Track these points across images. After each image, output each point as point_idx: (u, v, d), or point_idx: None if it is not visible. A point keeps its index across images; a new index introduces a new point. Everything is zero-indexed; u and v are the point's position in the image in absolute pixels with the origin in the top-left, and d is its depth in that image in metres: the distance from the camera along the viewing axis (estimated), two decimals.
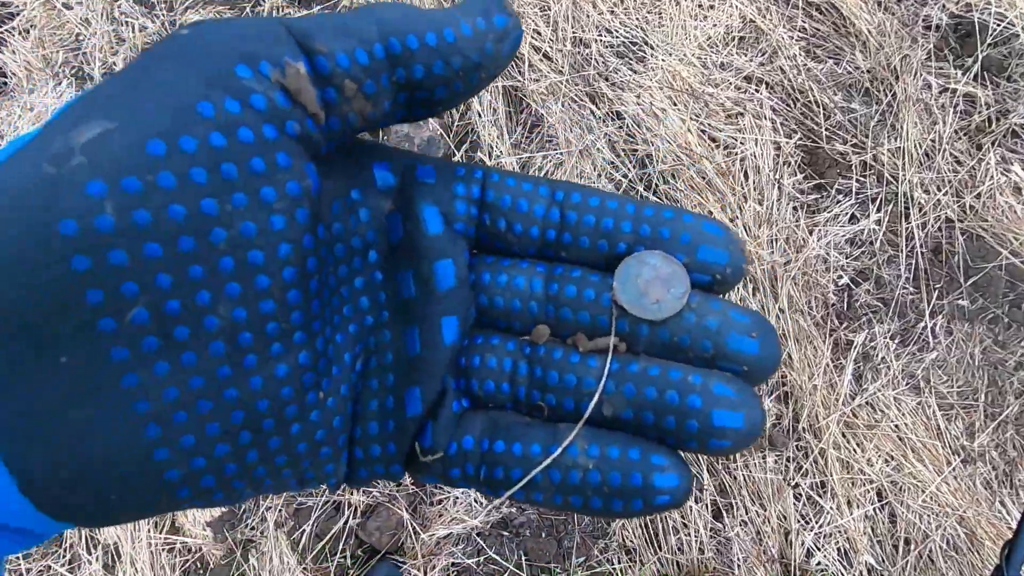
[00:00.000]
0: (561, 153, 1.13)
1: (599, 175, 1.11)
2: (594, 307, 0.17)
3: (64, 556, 1.00)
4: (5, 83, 1.28)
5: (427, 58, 0.15)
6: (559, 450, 0.16)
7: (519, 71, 1.20)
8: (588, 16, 1.21)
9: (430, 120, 1.20)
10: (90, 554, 1.00)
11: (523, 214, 0.18)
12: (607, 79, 1.17)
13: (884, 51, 1.09)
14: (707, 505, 0.92)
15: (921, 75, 1.07)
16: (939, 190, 1.02)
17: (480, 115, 1.18)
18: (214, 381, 0.13)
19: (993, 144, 1.02)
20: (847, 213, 1.04)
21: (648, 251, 0.17)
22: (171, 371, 0.13)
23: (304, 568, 0.95)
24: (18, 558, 1.01)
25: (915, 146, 1.05)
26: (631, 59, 1.17)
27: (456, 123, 1.20)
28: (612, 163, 1.12)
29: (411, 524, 0.95)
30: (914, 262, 1.01)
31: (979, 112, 1.04)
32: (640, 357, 0.17)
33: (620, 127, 1.14)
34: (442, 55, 0.15)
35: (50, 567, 1.00)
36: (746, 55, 1.15)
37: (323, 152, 0.15)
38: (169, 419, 0.13)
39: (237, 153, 0.13)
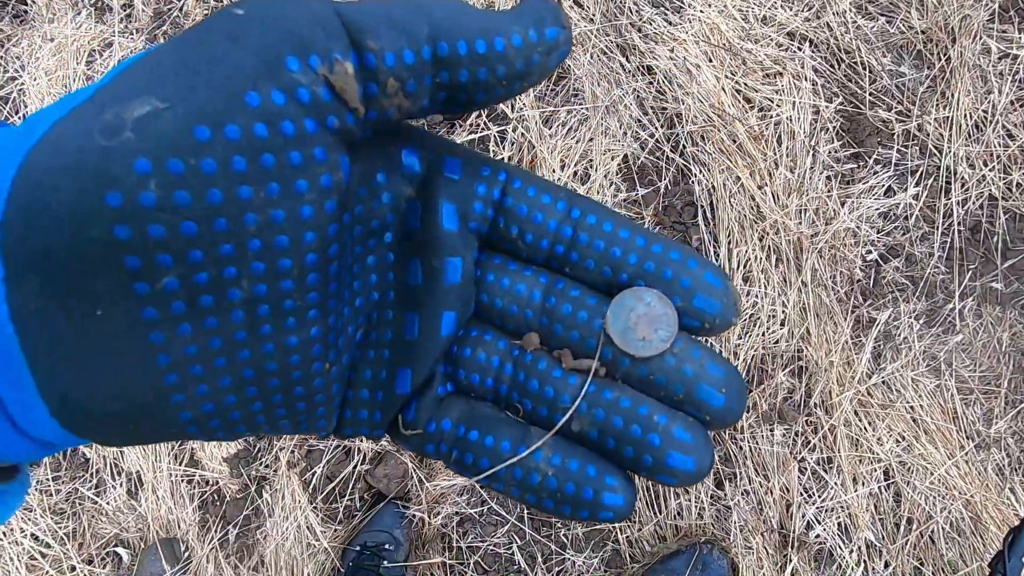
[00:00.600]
0: (587, 108, 1.09)
1: (625, 133, 1.07)
2: (584, 329, 0.18)
3: (91, 480, 1.06)
4: (26, 11, 1.26)
5: (473, 65, 0.15)
6: (526, 453, 0.18)
7: None
8: None
9: None
10: (114, 480, 1.05)
11: (537, 225, 0.18)
12: (640, 30, 1.10)
13: (943, 9, 1.01)
14: (710, 474, 0.92)
15: (981, 38, 0.99)
16: (986, 165, 0.97)
17: None
18: (230, 343, 0.15)
19: None
20: (884, 185, 0.99)
21: (646, 288, 0.18)
22: (193, 332, 0.14)
23: (314, 507, 0.99)
24: (48, 479, 1.07)
25: (965, 116, 0.98)
26: (667, 8, 1.10)
27: None
28: (639, 121, 1.07)
29: (417, 473, 0.98)
30: (949, 240, 0.97)
31: None
32: (616, 385, 0.18)
33: (650, 83, 1.08)
34: (488, 63, 0.15)
35: (77, 490, 1.05)
36: (791, 8, 1.07)
37: (357, 141, 0.16)
38: (186, 371, 0.14)
39: (277, 145, 0.14)
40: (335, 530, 0.98)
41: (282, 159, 0.14)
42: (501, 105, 1.12)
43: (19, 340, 0.13)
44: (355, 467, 1.00)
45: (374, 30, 0.14)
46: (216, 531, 1.01)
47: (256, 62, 0.13)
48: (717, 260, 1.00)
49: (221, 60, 0.13)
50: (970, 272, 0.95)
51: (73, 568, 1.02)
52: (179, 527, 1.04)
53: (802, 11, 1.07)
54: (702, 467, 0.17)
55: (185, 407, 0.15)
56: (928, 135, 0.99)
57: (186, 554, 1.02)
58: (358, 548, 0.92)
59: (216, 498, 1.04)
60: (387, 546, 0.92)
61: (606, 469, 0.17)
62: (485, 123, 1.11)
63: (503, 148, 1.09)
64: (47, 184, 0.12)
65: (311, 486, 1.00)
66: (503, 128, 1.10)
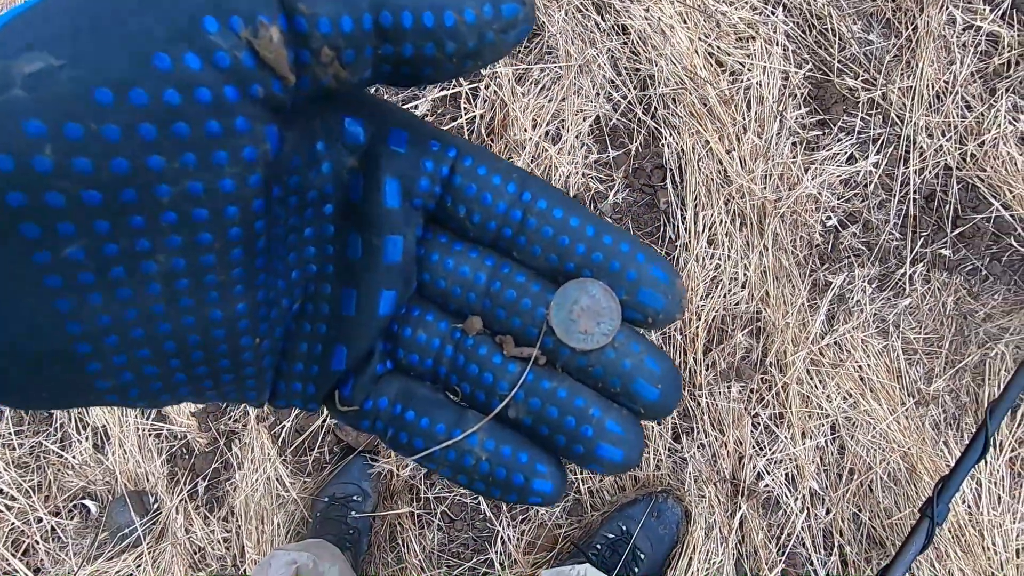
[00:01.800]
0: (560, 67, 1.08)
1: (598, 94, 1.07)
2: (527, 316, 0.18)
3: (55, 435, 1.05)
4: None
5: (420, 39, 0.14)
6: (460, 437, 0.18)
7: None
8: None
9: None
10: (79, 434, 1.05)
11: (485, 207, 0.18)
12: None
13: None
14: (668, 428, 0.96)
15: (947, 8, 1.01)
16: (943, 135, 0.99)
17: None
18: (147, 315, 0.14)
19: (1007, 91, 0.99)
20: (846, 153, 1.01)
21: (592, 280, 0.18)
22: (105, 302, 0.13)
23: (284, 460, 1.00)
24: (11, 433, 1.05)
25: (928, 86, 1.01)
26: None
27: None
28: (612, 82, 1.07)
29: None
30: (905, 208, 1.00)
31: (1000, 54, 0.99)
32: (555, 375, 0.18)
33: (624, 43, 1.08)
34: (436, 38, 0.14)
35: (41, 443, 1.05)
36: None
37: (288, 108, 0.14)
38: (100, 340, 0.14)
39: (192, 113, 0.13)
40: (304, 482, 1.00)
41: (198, 129, 0.13)
42: None
43: None
44: (324, 421, 1.01)
45: None
46: (185, 484, 1.02)
47: (168, 21, 0.12)
48: (683, 223, 1.02)
49: (126, 17, 0.12)
50: (922, 239, 0.99)
51: (40, 520, 1.02)
52: (148, 480, 1.04)
53: None
54: (630, 459, 0.17)
55: (102, 376, 0.14)
56: (891, 104, 1.01)
57: (155, 506, 1.03)
58: (326, 499, 0.95)
59: (185, 452, 1.04)
60: (355, 497, 0.94)
61: (538, 456, 0.18)
62: (456, 79, 1.09)
63: (475, 105, 1.07)
64: None
65: (280, 440, 1.01)
66: (475, 85, 1.08)
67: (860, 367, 0.96)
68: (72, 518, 1.04)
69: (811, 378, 0.96)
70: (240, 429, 1.03)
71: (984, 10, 1.01)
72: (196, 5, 0.12)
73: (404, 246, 0.18)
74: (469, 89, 1.09)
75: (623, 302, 0.18)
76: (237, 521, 0.99)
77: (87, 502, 1.05)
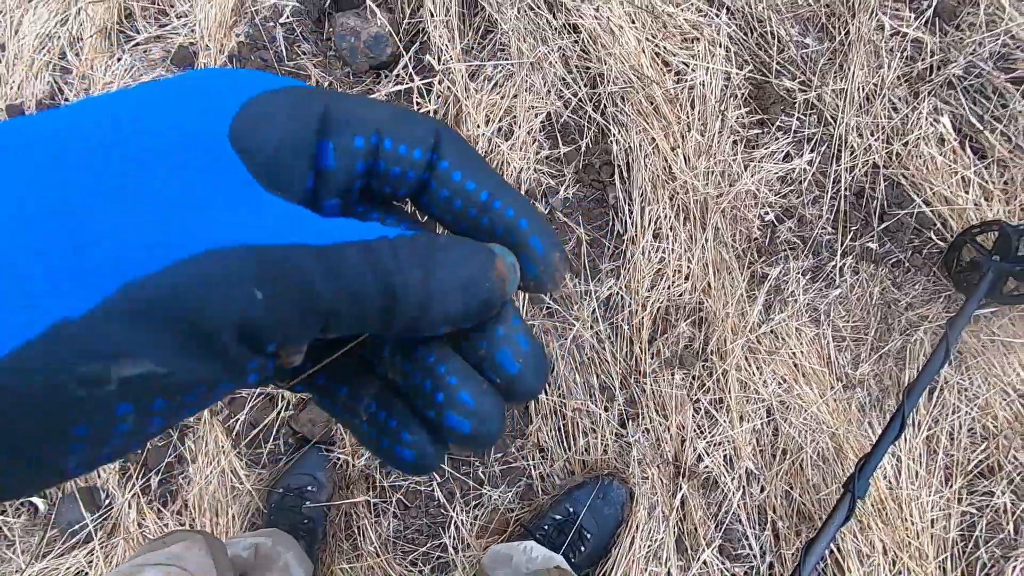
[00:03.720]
0: (513, 64, 1.10)
1: (549, 91, 1.09)
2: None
3: None
4: None
5: None
6: (308, 372, 0.19)
7: None
8: None
9: (378, 15, 1.13)
10: None
11: (395, 179, 0.18)
12: None
13: None
14: (615, 414, 1.01)
15: (877, 15, 1.07)
16: (872, 135, 1.06)
17: (432, 14, 1.12)
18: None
19: (929, 94, 1.05)
20: (783, 151, 1.06)
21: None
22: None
23: (238, 452, 1.01)
24: None
25: (858, 89, 1.06)
26: None
27: (407, 20, 1.14)
28: (563, 79, 1.10)
29: None
30: (837, 204, 1.06)
31: (923, 59, 1.06)
32: (432, 343, 0.18)
33: (575, 41, 1.10)
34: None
35: None
36: None
37: None
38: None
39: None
40: (259, 474, 1.01)
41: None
42: (428, 56, 1.11)
43: None
44: (279, 413, 1.02)
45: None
46: (137, 478, 1.02)
47: (248, 331, 0.14)
48: (630, 217, 1.05)
49: (219, 327, 0.14)
50: (851, 233, 1.05)
51: None
52: (98, 475, 1.03)
53: None
54: (479, 433, 0.17)
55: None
56: (825, 105, 1.07)
57: (106, 501, 1.03)
58: (281, 490, 0.96)
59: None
60: (310, 487, 0.95)
61: (408, 424, 0.18)
62: (411, 74, 1.10)
63: (428, 101, 1.09)
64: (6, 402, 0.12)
65: (234, 432, 1.02)
66: (428, 81, 1.09)
67: (794, 354, 1.02)
68: (19, 516, 1.03)
69: (749, 365, 1.01)
70: (193, 423, 1.03)
71: (910, 17, 1.07)
72: (268, 334, 0.15)
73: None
74: (423, 84, 1.10)
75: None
76: (191, 514, 1.00)
77: (35, 500, 1.03)
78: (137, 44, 1.14)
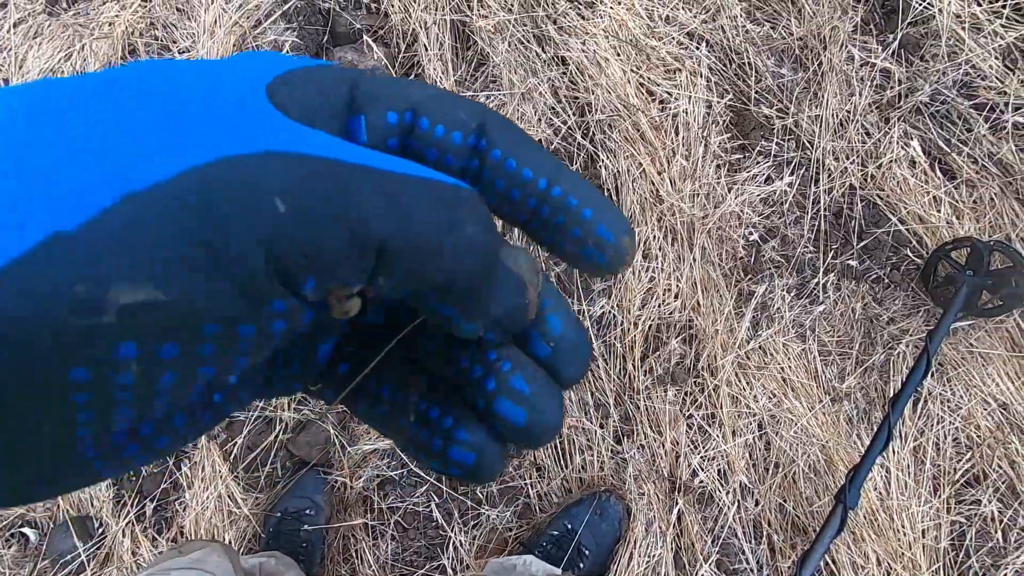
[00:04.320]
0: (504, 95, 1.15)
1: (540, 120, 1.14)
2: None
3: None
4: None
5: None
6: (366, 370, 0.17)
7: (468, 5, 1.18)
8: None
9: (375, 49, 1.18)
10: None
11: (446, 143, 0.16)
12: (555, 22, 1.17)
13: (817, 19, 1.14)
14: (610, 431, 1.02)
15: (846, 47, 1.13)
16: (847, 158, 1.11)
17: (427, 48, 1.17)
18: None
19: (899, 119, 1.11)
20: (764, 174, 1.11)
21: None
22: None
23: (235, 476, 1.01)
24: None
25: (833, 115, 1.12)
26: (580, 3, 1.18)
27: (402, 54, 1.19)
28: (553, 109, 1.14)
29: (339, 439, 1.02)
30: (817, 224, 1.11)
31: (891, 88, 1.12)
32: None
33: (564, 73, 1.16)
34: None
35: None
36: (691, 11, 1.18)
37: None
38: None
39: (279, 332, 0.13)
40: (256, 498, 1.01)
41: (268, 331, 0.13)
42: None
43: None
44: (276, 436, 1.02)
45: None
46: (132, 506, 1.01)
47: (277, 271, 0.12)
48: None
49: (236, 254, 0.12)
50: (832, 251, 1.10)
51: None
52: (92, 505, 1.02)
53: (700, 14, 1.17)
54: (536, 424, 0.15)
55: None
56: (803, 130, 1.12)
57: (100, 530, 1.01)
58: (279, 514, 0.96)
59: (131, 473, 1.03)
60: (307, 511, 0.95)
61: (463, 420, 0.16)
62: None
63: None
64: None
65: (232, 456, 1.02)
66: None
67: (782, 369, 1.05)
68: (10, 547, 1.01)
69: (739, 380, 1.04)
70: (190, 449, 1.03)
71: (877, 49, 1.14)
72: (302, 263, 0.12)
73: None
74: None
75: (568, 254, 0.17)
76: (188, 540, 0.99)
77: (26, 530, 1.02)
78: None
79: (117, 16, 1.19)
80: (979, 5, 1.12)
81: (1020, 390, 1.03)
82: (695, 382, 1.04)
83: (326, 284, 0.13)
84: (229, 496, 0.99)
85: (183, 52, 1.18)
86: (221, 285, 0.12)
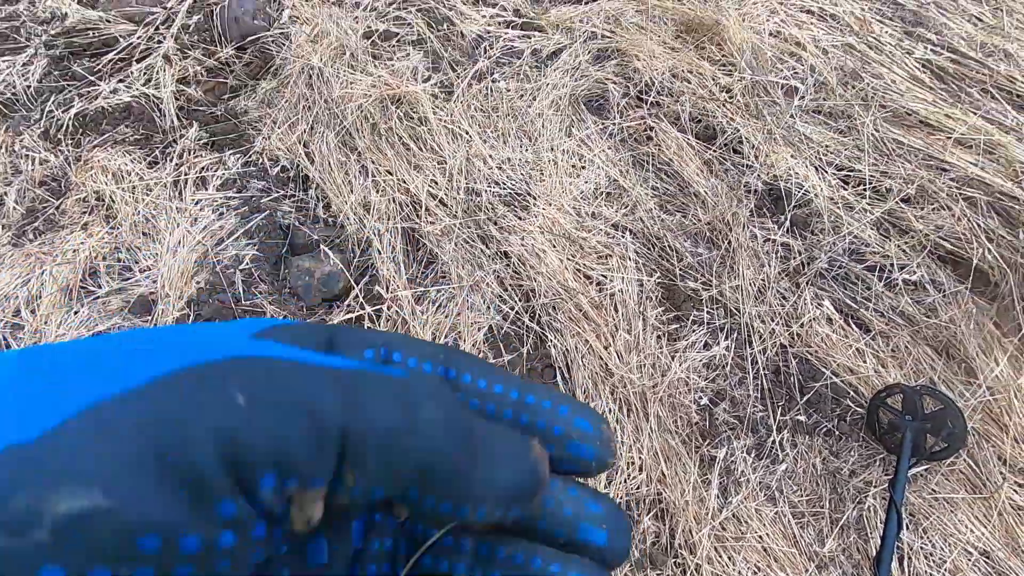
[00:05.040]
0: (454, 288, 1.23)
1: (488, 307, 1.22)
2: None
3: None
4: None
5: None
6: None
7: (417, 214, 1.33)
8: (479, 170, 1.39)
9: (331, 256, 1.28)
10: None
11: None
12: (496, 223, 1.32)
13: (718, 208, 1.33)
14: None
15: (748, 228, 1.31)
16: (772, 320, 1.21)
17: (380, 252, 1.28)
18: None
19: (807, 284, 1.25)
20: (701, 341, 1.19)
21: None
22: None
23: None
24: None
25: (750, 284, 1.25)
26: (516, 207, 1.34)
27: (357, 259, 1.29)
28: (500, 296, 1.23)
29: None
30: (760, 383, 1.16)
31: (794, 258, 1.28)
32: (507, 540, 0.17)
33: (507, 264, 1.27)
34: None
35: None
36: (612, 207, 1.36)
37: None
38: None
39: (237, 553, 0.13)
40: None
41: (225, 555, 0.12)
42: (376, 287, 1.23)
43: None
44: None
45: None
46: None
47: (228, 468, 0.12)
48: None
49: (191, 455, 0.11)
50: (780, 408, 1.14)
51: None
52: None
53: (620, 208, 1.35)
54: None
55: None
56: (727, 299, 1.24)
57: None
58: None
59: None
60: None
61: None
62: (361, 303, 1.21)
63: (378, 325, 1.18)
64: None
65: None
66: (378, 307, 1.20)
67: (760, 537, 1.01)
68: None
69: (720, 555, 0.99)
70: None
71: (774, 228, 1.32)
72: (258, 456, 0.12)
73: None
74: (373, 311, 1.20)
75: (555, 456, 0.17)
76: None
77: None
78: (97, 297, 1.21)
79: (82, 243, 1.26)
80: (844, 189, 1.34)
81: (995, 532, 1.02)
82: (675, 562, 0.98)
83: (287, 484, 0.12)
84: None
85: (143, 271, 1.23)
86: (167, 481, 0.11)
